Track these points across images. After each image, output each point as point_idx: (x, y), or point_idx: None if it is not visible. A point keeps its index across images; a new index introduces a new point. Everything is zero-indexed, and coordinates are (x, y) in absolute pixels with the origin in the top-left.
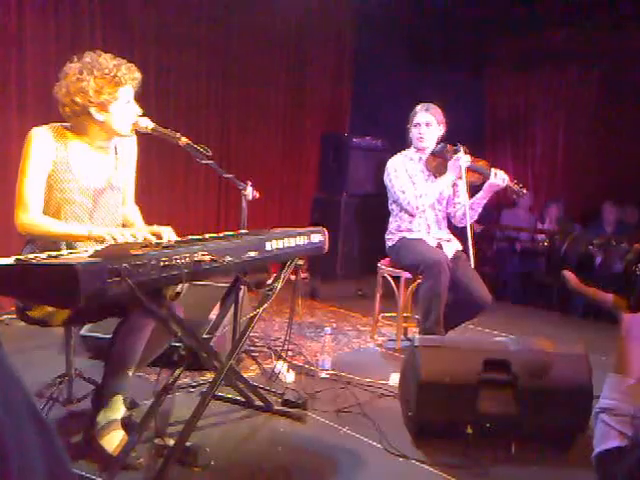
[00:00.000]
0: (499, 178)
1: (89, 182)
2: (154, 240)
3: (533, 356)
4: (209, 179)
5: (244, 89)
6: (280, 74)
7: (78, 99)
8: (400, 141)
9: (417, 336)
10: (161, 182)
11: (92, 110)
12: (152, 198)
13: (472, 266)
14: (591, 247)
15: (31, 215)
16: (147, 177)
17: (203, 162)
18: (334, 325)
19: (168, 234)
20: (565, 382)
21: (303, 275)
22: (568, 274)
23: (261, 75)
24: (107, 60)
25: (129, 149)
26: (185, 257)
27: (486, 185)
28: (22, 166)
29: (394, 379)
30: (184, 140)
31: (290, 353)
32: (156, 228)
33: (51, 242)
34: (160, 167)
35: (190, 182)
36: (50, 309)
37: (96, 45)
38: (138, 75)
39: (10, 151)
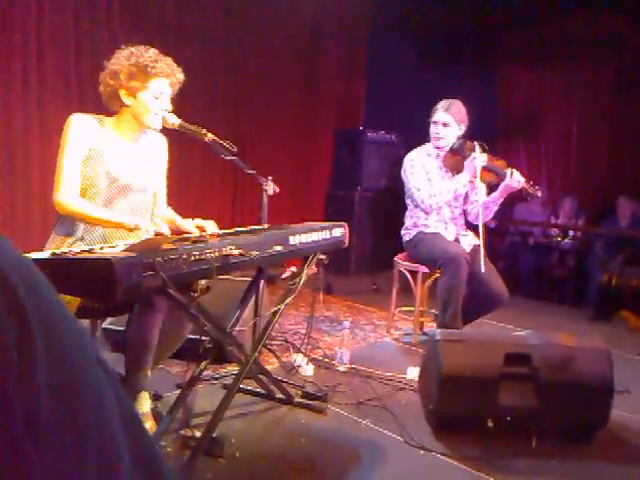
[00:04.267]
0: (514, 180)
1: (117, 173)
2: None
3: (554, 350)
4: (225, 175)
5: (257, 85)
6: (293, 69)
7: (110, 81)
8: (414, 135)
9: (438, 330)
10: (178, 179)
11: (121, 93)
12: (167, 195)
13: (482, 268)
14: None
15: (69, 196)
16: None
17: (227, 158)
18: (350, 319)
19: (212, 227)
20: (586, 376)
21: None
22: (626, 314)
23: (274, 70)
24: (149, 52)
25: (160, 151)
26: (215, 251)
27: (501, 186)
28: (61, 149)
29: (411, 373)
30: (210, 136)
31: (308, 346)
32: (200, 222)
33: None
34: (177, 164)
35: (207, 178)
36: None
37: (114, 40)
38: (179, 75)
39: (32, 147)
